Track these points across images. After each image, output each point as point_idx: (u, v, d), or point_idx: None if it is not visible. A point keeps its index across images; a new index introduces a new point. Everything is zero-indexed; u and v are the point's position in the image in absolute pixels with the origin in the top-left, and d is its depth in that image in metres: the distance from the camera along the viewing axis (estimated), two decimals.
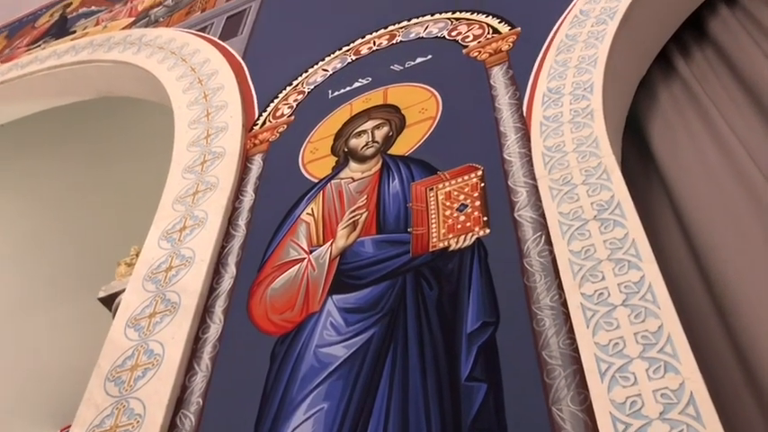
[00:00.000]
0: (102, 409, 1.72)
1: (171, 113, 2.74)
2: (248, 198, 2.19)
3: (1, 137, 4.09)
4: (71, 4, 5.09)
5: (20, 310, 5.21)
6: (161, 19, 3.93)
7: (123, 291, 2.11)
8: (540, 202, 1.65)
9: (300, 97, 2.56)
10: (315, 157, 2.24)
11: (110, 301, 2.16)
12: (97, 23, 4.39)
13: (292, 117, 2.48)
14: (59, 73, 3.71)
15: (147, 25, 3.88)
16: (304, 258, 1.90)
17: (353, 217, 1.94)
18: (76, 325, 4.68)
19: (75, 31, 4.44)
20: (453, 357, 1.45)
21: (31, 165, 4.56)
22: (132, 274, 2.12)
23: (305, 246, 1.93)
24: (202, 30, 3.49)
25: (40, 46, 4.37)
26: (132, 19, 4.13)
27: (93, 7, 4.80)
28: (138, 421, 1.65)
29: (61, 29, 4.64)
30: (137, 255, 2.25)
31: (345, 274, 1.79)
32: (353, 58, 2.63)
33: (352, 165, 2.14)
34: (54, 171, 4.56)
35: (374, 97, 2.36)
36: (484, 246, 1.65)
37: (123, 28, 3.95)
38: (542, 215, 1.62)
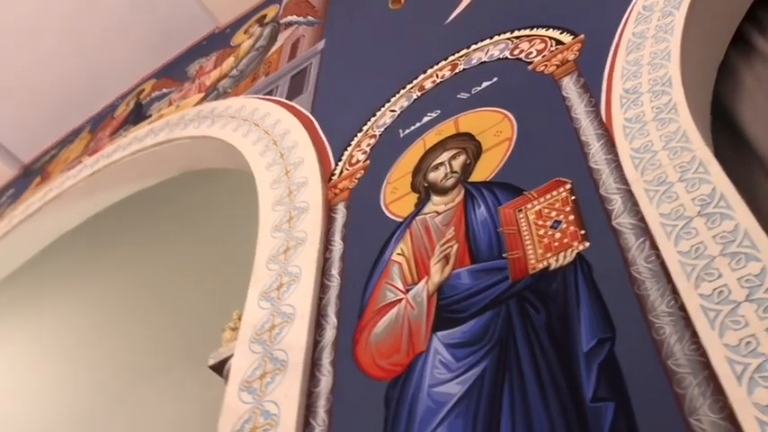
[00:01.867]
0: None
1: (252, 177, 2.81)
2: (337, 247, 2.21)
3: (98, 225, 4.31)
4: (143, 90, 5.36)
5: (133, 386, 5.40)
6: (229, 90, 4.08)
7: (232, 356, 2.15)
8: (638, 206, 1.59)
9: (373, 141, 2.59)
10: (396, 197, 2.25)
11: (220, 368, 2.20)
12: (170, 104, 4.60)
13: (368, 161, 2.50)
14: (142, 156, 3.90)
15: (216, 98, 4.03)
16: (402, 299, 1.88)
17: (444, 250, 1.92)
18: (191, 394, 4.80)
19: (150, 115, 4.66)
20: (573, 379, 1.39)
21: (128, 249, 4.78)
22: (238, 338, 2.16)
23: (400, 286, 1.92)
24: (269, 93, 3.59)
25: (121, 134, 4.60)
26: (202, 95, 4.30)
27: (163, 90, 5.04)
28: None
29: (138, 115, 4.88)
30: (239, 318, 2.29)
31: (446, 309, 1.76)
32: (419, 93, 2.64)
33: (435, 198, 2.13)
34: (149, 252, 4.76)
35: (446, 128, 2.35)
36: (586, 260, 1.59)
37: (194, 104, 4.11)
38: (642, 219, 1.55)
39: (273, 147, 2.84)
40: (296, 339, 1.95)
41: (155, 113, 4.63)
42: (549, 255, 1.67)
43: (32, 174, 5.56)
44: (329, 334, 1.95)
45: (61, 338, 5.48)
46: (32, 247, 4.43)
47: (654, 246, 1.49)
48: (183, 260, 4.66)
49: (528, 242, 1.74)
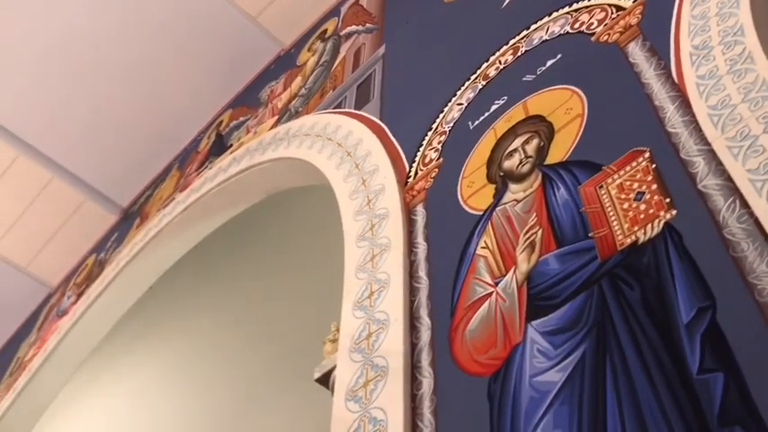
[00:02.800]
0: None
1: (332, 191, 2.86)
2: (421, 249, 2.22)
3: (193, 258, 4.50)
4: (222, 121, 5.57)
5: (249, 410, 5.59)
6: (300, 109, 4.18)
7: (335, 367, 2.19)
8: (722, 165, 1.51)
9: (443, 137, 2.58)
10: (473, 191, 2.23)
11: (326, 380, 2.25)
12: (248, 131, 4.76)
13: (441, 159, 2.50)
14: (228, 186, 4.05)
15: (289, 119, 4.13)
16: (491, 293, 1.87)
17: (529, 238, 1.89)
18: (303, 411, 4.92)
19: (231, 144, 4.83)
20: (677, 353, 1.34)
21: (225, 279, 4.97)
22: (338, 349, 2.21)
23: (489, 280, 1.91)
24: (338, 106, 3.65)
25: (206, 167, 4.79)
26: (276, 117, 4.42)
27: (240, 118, 5.21)
28: None
29: (220, 146, 5.07)
30: (338, 330, 2.34)
31: (538, 297, 1.74)
32: (484, 83, 2.62)
33: (512, 186, 2.10)
34: (245, 280, 4.93)
35: (515, 114, 2.32)
36: (675, 229, 1.53)
37: (270, 128, 4.23)
38: (728, 179, 1.48)
39: (348, 158, 2.88)
40: (393, 344, 1.98)
41: (235, 142, 4.79)
42: (636, 228, 1.62)
43: (132, 216, 5.86)
44: (425, 335, 1.96)
45: (175, 371, 5.75)
46: (141, 286, 4.68)
47: (745, 204, 1.41)
48: (279, 281, 4.79)
49: (613, 218, 1.69)
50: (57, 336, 4.93)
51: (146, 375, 5.86)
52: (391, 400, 1.88)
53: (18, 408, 4.79)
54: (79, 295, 5.28)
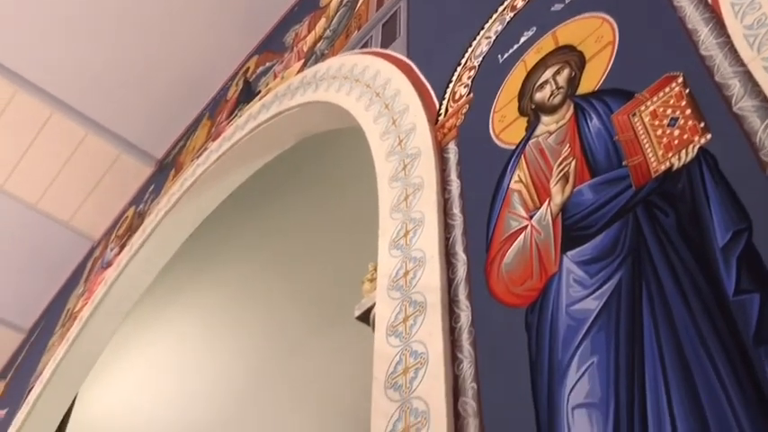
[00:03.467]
0: (390, 415, 1.84)
1: (363, 133, 2.87)
2: (455, 186, 2.23)
3: (223, 211, 4.57)
4: (248, 68, 5.56)
5: (296, 348, 5.74)
6: (326, 51, 4.15)
7: (374, 305, 2.25)
8: (758, 86, 1.49)
9: (473, 73, 2.56)
10: (505, 125, 2.23)
11: (366, 317, 2.31)
12: (275, 77, 4.75)
13: (471, 95, 2.48)
14: (258, 132, 4.07)
15: (315, 62, 4.12)
16: (526, 225, 1.89)
17: (563, 169, 1.89)
18: (347, 348, 5.05)
19: (260, 91, 4.84)
20: (713, 277, 1.35)
21: (264, 223, 5.05)
22: (377, 287, 2.26)
23: (523, 213, 1.93)
24: (364, 46, 3.62)
25: (236, 115, 4.82)
26: (302, 61, 4.40)
27: (267, 64, 5.20)
28: (424, 418, 1.75)
29: (248, 93, 5.08)
30: (375, 269, 2.39)
31: (573, 228, 1.75)
32: (512, 14, 2.57)
33: (545, 119, 2.09)
34: (284, 224, 5.00)
35: (545, 45, 2.29)
36: (710, 153, 1.52)
37: (297, 72, 4.22)
38: (765, 99, 1.46)
39: (377, 99, 2.88)
40: (430, 280, 2.02)
41: (263, 88, 4.80)
42: (670, 154, 1.61)
43: (167, 167, 5.96)
44: (461, 271, 1.99)
45: (216, 319, 5.92)
46: (180, 236, 4.78)
47: None
48: (315, 225, 4.85)
49: (647, 145, 1.68)
50: (103, 287, 5.09)
51: (188, 324, 6.05)
52: (431, 333, 1.93)
53: (71, 357, 5.00)
54: (122, 247, 5.42)
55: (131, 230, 5.54)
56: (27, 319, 6.74)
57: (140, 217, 5.59)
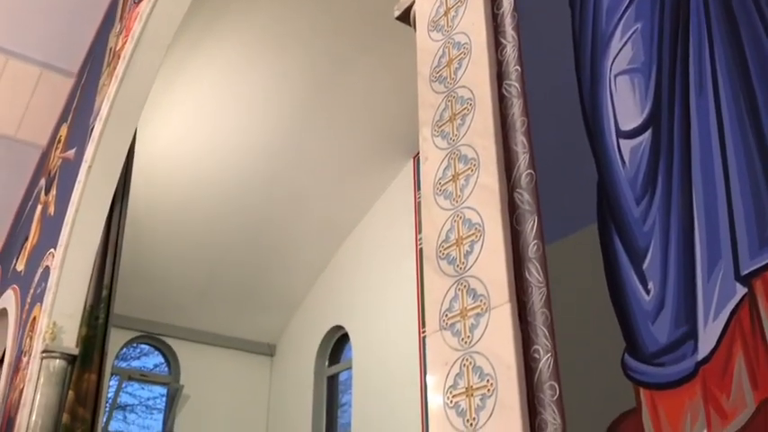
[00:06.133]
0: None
1: None
2: None
3: None
4: None
5: (342, 66, 5.80)
6: None
7: (413, 2, 2.22)
8: None
9: None
10: None
11: (406, 17, 2.29)
12: None
13: None
14: None
15: None
16: None
17: None
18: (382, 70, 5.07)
19: None
20: None
21: None
22: None
23: None
24: None
25: None
26: None
27: None
28: (470, 104, 1.82)
29: None
30: None
31: None
32: None
33: None
34: None
35: None
36: None
37: None
38: None
39: None
40: None
41: None
42: None
43: None
44: None
45: (266, 34, 5.88)
46: None
47: None
48: None
49: None
50: (138, 22, 5.07)
51: (230, 52, 6.07)
52: (473, 23, 1.93)
53: (123, 94, 5.16)
54: None
55: None
56: (73, 63, 6.87)
57: None
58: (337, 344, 7.57)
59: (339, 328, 7.40)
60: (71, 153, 6.04)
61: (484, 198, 1.69)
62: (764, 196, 1.16)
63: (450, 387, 1.57)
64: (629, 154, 1.42)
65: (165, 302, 7.38)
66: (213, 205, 6.87)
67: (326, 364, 7.58)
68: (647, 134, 1.40)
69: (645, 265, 1.31)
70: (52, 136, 7.20)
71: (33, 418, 4.45)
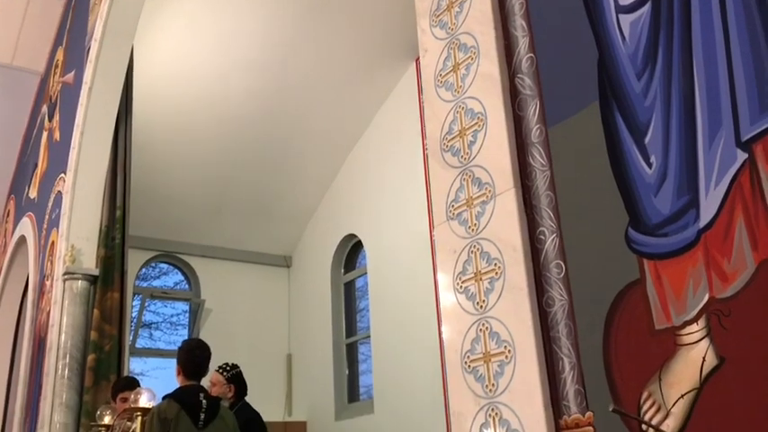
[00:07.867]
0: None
1: None
2: None
3: None
4: None
5: None
6: None
7: None
8: None
9: None
10: None
11: None
12: None
13: None
14: None
15: None
16: None
17: None
18: None
19: None
20: None
21: None
22: None
23: None
24: None
25: None
26: None
27: None
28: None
29: None
30: None
31: None
32: None
33: None
34: None
35: None
36: None
37: None
38: None
39: None
40: None
41: None
42: None
43: None
44: None
45: None
46: None
47: None
48: None
49: None
50: None
51: None
52: None
53: (115, 12, 5.04)
54: None
55: None
56: None
57: None
58: (351, 251, 7.68)
59: (352, 236, 7.50)
60: (70, 77, 5.98)
61: (485, 86, 1.68)
62: (765, 61, 1.15)
63: (460, 273, 1.62)
64: (628, 29, 1.40)
65: (180, 221, 7.48)
66: (217, 123, 6.83)
67: (342, 271, 7.72)
68: (647, 6, 1.37)
69: (647, 140, 1.31)
70: (49, 61, 7.11)
71: (63, 337, 4.61)
